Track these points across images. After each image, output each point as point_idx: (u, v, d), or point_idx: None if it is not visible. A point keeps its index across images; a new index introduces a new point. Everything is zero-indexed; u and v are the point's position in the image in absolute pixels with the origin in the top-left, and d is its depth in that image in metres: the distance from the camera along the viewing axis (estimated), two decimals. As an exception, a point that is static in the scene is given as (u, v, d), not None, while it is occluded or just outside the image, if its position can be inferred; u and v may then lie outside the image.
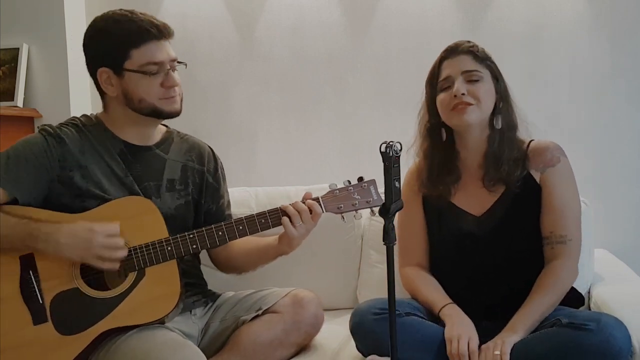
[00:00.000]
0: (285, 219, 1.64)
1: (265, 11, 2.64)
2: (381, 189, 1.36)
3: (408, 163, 1.90)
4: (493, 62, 1.78)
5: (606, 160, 2.45)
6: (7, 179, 1.62)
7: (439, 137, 1.81)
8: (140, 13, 1.69)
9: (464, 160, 1.82)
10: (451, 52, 1.77)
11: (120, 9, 1.71)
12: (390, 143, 1.29)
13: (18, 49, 2.58)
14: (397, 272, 1.38)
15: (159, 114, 1.72)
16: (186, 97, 2.70)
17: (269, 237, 1.76)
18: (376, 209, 1.66)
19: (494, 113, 1.76)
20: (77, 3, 2.65)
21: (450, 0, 2.52)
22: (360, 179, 1.68)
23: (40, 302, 1.58)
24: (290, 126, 2.66)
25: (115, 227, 1.59)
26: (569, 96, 2.47)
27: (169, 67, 1.69)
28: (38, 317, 1.58)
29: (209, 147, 1.92)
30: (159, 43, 1.67)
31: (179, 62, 1.73)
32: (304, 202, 1.66)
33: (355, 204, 1.67)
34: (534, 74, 2.48)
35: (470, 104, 1.71)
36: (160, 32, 1.67)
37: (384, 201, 1.55)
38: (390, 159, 1.30)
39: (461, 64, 1.74)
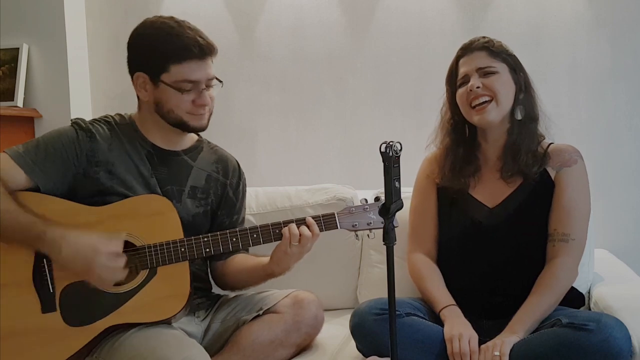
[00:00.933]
0: (285, 230, 1.64)
1: (265, 11, 2.64)
2: (381, 188, 1.36)
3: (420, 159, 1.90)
4: (510, 55, 1.80)
5: (606, 160, 2.45)
6: (34, 168, 1.64)
7: (463, 134, 1.84)
8: (189, 28, 1.68)
9: (485, 152, 1.84)
10: (466, 49, 1.80)
11: (172, 18, 1.71)
12: (390, 143, 1.29)
13: (18, 49, 2.58)
14: (398, 271, 1.37)
15: (185, 127, 1.73)
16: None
17: (263, 257, 1.76)
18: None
19: (514, 104, 1.78)
20: (77, 3, 2.66)
21: (450, 0, 2.52)
22: (377, 198, 1.70)
23: (51, 290, 1.59)
24: (290, 126, 2.66)
25: (119, 246, 1.57)
26: (569, 96, 2.47)
27: (204, 86, 1.69)
28: (47, 305, 1.58)
29: (237, 161, 1.93)
30: (199, 62, 1.67)
31: (218, 80, 1.73)
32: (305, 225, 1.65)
33: (370, 223, 1.68)
34: (534, 74, 2.46)
35: (487, 100, 1.73)
36: (203, 51, 1.67)
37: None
38: (390, 159, 1.30)
39: (476, 60, 1.77)
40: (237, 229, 1.67)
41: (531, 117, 1.79)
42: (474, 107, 1.75)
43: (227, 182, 1.87)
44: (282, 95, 2.66)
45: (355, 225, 1.68)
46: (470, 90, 1.74)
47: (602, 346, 1.47)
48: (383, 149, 1.30)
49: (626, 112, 2.44)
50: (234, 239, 1.66)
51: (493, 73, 1.75)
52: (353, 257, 2.24)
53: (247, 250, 1.84)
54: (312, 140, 2.65)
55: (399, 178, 1.33)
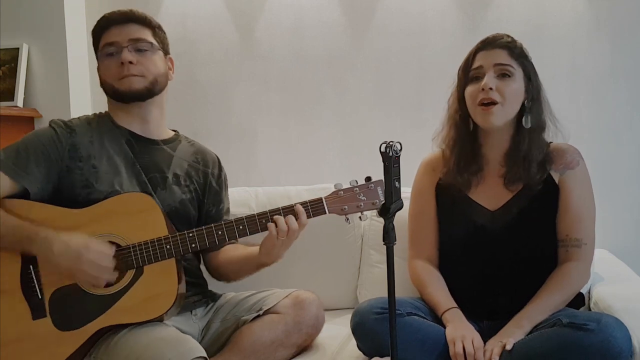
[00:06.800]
0: (271, 225, 1.61)
1: (265, 11, 2.64)
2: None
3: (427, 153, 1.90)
4: (529, 61, 1.77)
5: (606, 160, 2.45)
6: (17, 171, 1.64)
7: (467, 127, 1.80)
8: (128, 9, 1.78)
9: (486, 154, 1.81)
10: (488, 44, 1.76)
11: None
12: (390, 143, 1.29)
13: (18, 49, 2.57)
14: (398, 271, 1.37)
15: (117, 95, 1.76)
16: (186, 97, 2.71)
17: (254, 247, 1.75)
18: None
19: (522, 112, 1.76)
20: (77, 3, 2.65)
21: (450, 0, 2.52)
22: (368, 178, 1.65)
23: (40, 297, 1.59)
24: (290, 126, 2.66)
25: (110, 250, 1.59)
26: (569, 96, 2.47)
27: (125, 45, 1.73)
28: (37, 311, 1.58)
29: (216, 155, 1.96)
30: (120, 27, 1.75)
31: (150, 44, 1.75)
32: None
33: (360, 205, 1.63)
34: (534, 74, 2.47)
35: (495, 103, 1.70)
36: (123, 18, 1.75)
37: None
38: (390, 159, 1.30)
39: (495, 56, 1.73)
40: (222, 222, 1.66)
41: (539, 126, 1.76)
42: (480, 104, 1.72)
43: (209, 171, 1.89)
44: (282, 95, 2.66)
45: (345, 209, 1.63)
46: (483, 88, 1.71)
47: (602, 346, 1.47)
48: (383, 149, 1.30)
49: (626, 112, 2.44)
50: (220, 232, 1.64)
51: (509, 75, 1.72)
52: (353, 257, 2.24)
53: (236, 240, 1.82)
54: (312, 140, 2.65)
55: (399, 178, 1.33)
